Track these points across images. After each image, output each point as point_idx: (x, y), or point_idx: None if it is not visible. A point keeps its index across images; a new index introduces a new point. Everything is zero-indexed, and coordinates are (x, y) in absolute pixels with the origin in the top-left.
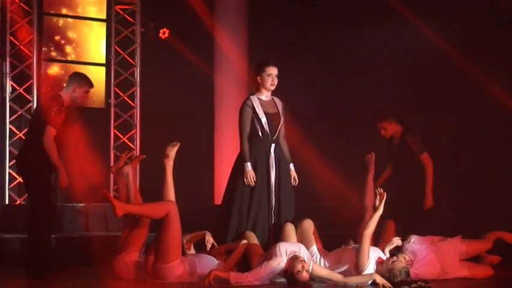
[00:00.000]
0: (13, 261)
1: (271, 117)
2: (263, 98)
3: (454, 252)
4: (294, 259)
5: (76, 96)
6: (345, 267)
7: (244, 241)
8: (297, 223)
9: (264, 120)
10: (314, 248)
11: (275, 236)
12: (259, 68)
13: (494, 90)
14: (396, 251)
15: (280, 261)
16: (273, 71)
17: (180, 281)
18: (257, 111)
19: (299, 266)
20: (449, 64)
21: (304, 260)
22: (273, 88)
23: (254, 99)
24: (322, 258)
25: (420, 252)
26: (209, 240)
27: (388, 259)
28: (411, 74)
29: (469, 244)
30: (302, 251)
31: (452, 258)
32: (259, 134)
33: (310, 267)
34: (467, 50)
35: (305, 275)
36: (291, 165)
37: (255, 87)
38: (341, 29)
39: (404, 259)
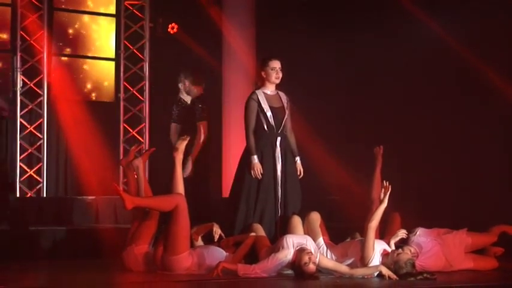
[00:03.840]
0: (23, 254)
1: (276, 111)
2: (268, 92)
3: (459, 244)
4: (301, 251)
5: (189, 90)
6: (351, 260)
7: (253, 234)
8: (303, 215)
9: (269, 114)
10: (321, 240)
11: (282, 228)
12: (263, 63)
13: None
14: (402, 244)
15: (287, 254)
16: (276, 64)
17: (189, 273)
18: (262, 105)
19: (306, 258)
20: (464, 64)
21: (311, 252)
22: (277, 81)
23: (259, 94)
24: (328, 251)
25: (426, 245)
26: (217, 231)
27: (393, 251)
28: (421, 76)
29: (474, 237)
30: (309, 243)
31: (457, 251)
32: (264, 128)
33: (317, 259)
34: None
35: (312, 267)
36: (297, 158)
37: (260, 81)
38: (351, 26)
39: (410, 251)
